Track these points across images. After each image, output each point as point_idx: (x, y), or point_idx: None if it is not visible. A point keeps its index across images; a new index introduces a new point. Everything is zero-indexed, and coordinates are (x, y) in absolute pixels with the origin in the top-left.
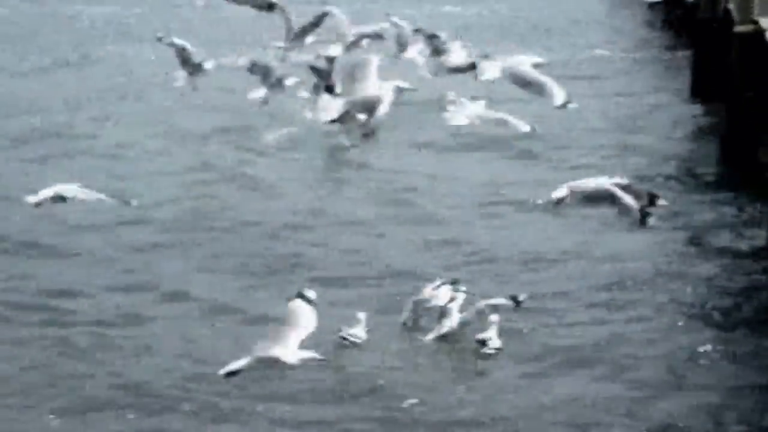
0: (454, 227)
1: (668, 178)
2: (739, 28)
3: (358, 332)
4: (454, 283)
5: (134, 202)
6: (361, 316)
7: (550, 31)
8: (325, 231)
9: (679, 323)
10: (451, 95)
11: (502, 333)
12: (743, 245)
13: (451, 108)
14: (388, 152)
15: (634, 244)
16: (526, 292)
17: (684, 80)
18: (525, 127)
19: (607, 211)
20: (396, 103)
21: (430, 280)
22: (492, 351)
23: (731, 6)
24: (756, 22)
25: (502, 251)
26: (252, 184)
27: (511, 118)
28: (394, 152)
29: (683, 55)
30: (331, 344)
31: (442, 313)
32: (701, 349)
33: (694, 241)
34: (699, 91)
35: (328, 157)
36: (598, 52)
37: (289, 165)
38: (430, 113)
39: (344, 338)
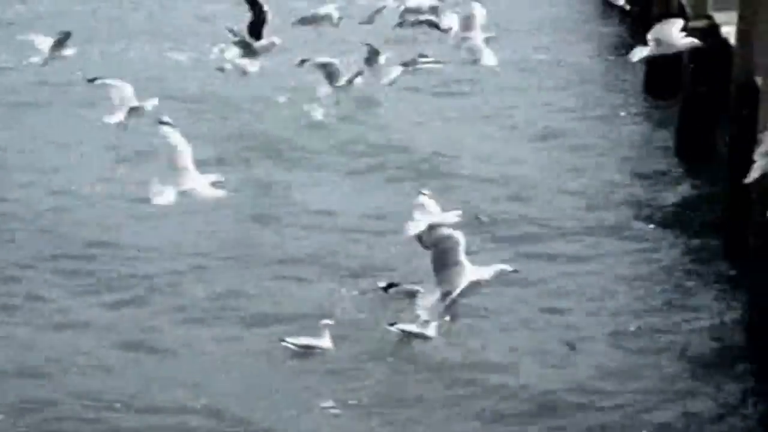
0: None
1: (623, 173)
2: (693, 24)
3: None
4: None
5: None
6: (324, 321)
7: (503, 29)
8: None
9: (631, 315)
10: None
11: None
12: (700, 240)
13: None
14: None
15: (590, 239)
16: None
17: (639, 77)
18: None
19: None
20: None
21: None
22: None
23: (685, 1)
24: (710, 17)
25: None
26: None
27: None
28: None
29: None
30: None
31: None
32: (649, 343)
33: (653, 234)
34: (654, 88)
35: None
36: (552, 49)
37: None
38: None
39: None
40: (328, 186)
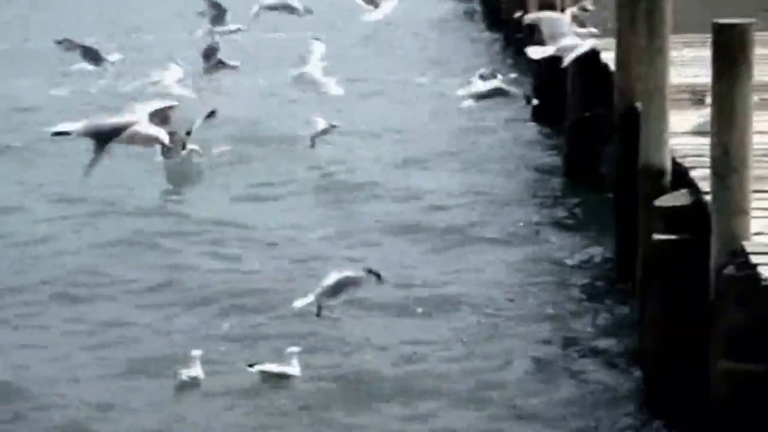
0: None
1: (511, 197)
2: None
3: (193, 371)
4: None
5: None
6: (196, 353)
7: (391, 54)
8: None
9: (515, 340)
10: None
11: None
12: (589, 263)
13: None
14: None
15: (476, 263)
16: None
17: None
18: None
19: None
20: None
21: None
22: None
23: None
24: None
25: None
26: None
27: None
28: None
29: (523, 78)
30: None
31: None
32: (531, 371)
33: (541, 258)
34: (539, 113)
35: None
36: (435, 73)
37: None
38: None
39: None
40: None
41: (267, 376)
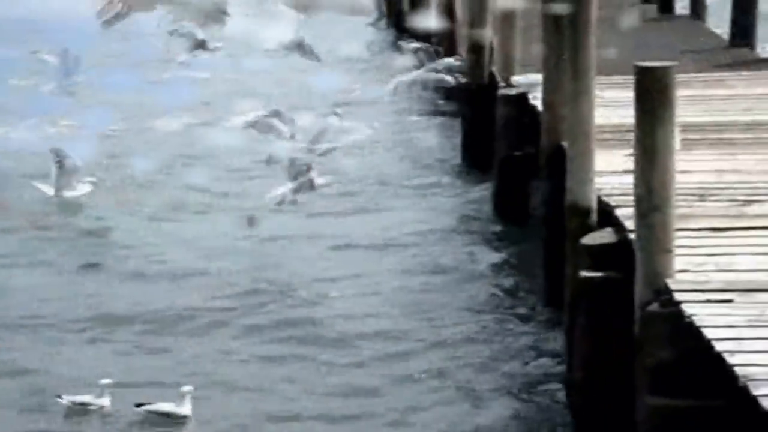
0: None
1: (442, 238)
2: (503, 92)
3: (88, 397)
4: None
5: None
6: (103, 381)
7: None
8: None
9: (451, 371)
10: None
11: None
12: (519, 298)
13: None
14: None
15: (410, 304)
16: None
17: (455, 144)
18: None
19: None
20: None
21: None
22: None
23: (495, 69)
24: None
25: None
26: None
27: None
28: None
29: (454, 120)
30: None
31: None
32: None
33: (473, 296)
34: (469, 154)
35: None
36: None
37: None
38: None
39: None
40: None
41: (156, 416)
